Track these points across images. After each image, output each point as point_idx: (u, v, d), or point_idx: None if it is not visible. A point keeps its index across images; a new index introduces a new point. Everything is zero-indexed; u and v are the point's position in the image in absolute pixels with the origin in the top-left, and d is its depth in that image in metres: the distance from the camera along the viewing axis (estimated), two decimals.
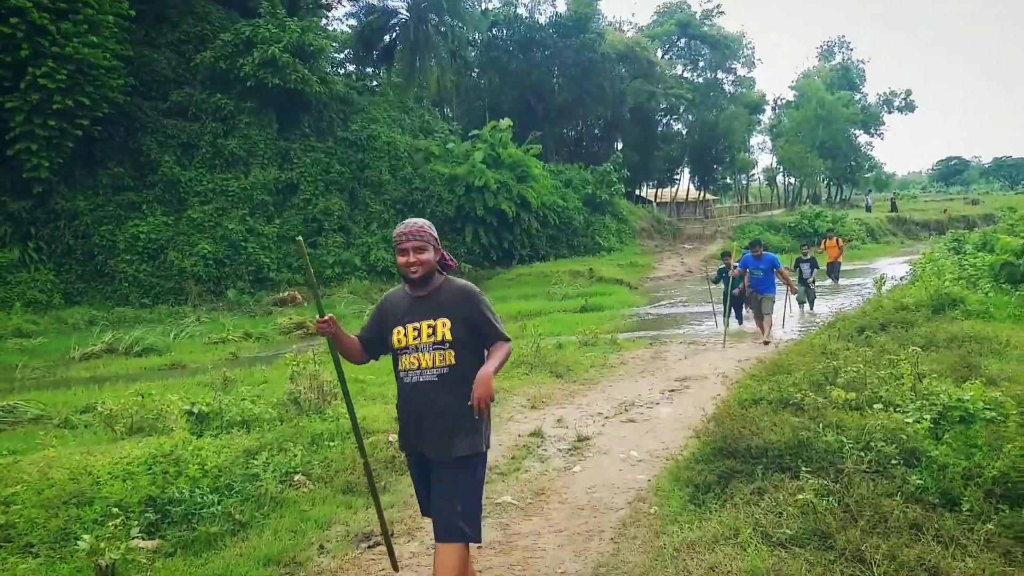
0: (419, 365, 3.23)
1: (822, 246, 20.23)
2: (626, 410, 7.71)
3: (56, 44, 20.64)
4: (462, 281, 3.50)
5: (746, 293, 12.97)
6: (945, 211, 48.09)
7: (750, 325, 13.82)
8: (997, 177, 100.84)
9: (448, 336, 3.21)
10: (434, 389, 3.21)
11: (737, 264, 13.40)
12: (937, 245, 20.59)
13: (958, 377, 6.50)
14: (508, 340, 3.41)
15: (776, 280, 12.55)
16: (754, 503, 4.07)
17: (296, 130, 28.19)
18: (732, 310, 13.79)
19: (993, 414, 4.63)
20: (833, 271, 19.87)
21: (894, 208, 50.16)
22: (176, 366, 15.57)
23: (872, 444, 4.30)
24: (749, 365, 8.92)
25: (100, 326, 19.62)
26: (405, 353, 3.27)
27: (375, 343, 3.48)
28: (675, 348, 12.03)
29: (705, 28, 52.62)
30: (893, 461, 4.14)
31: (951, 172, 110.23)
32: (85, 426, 9.69)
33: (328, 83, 28.56)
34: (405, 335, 3.26)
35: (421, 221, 3.31)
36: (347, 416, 6.83)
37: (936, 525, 3.57)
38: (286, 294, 23.69)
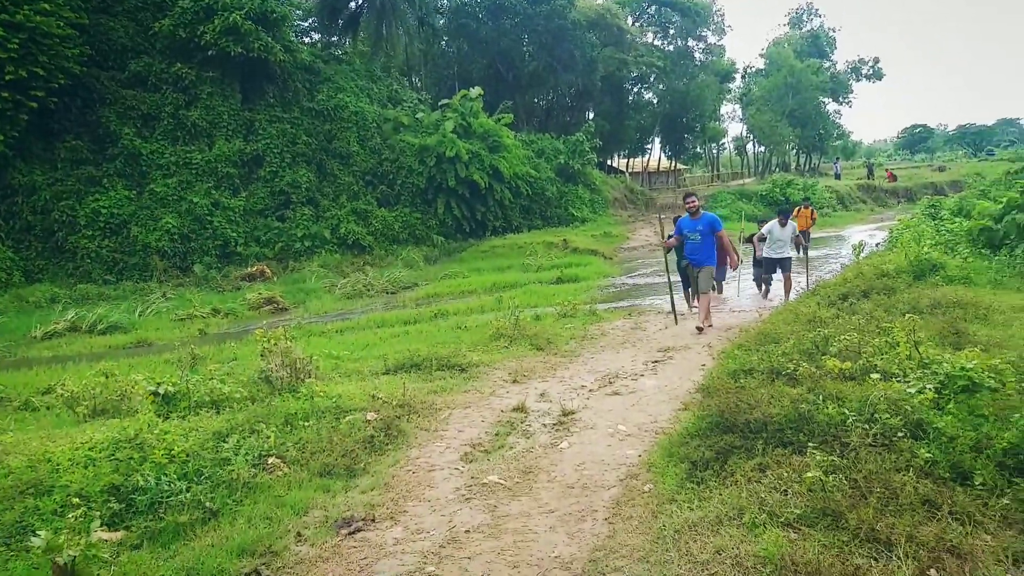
0: None
1: (795, 214, 19.90)
2: (610, 382, 7.50)
3: (5, 11, 19.68)
4: None
5: (681, 264, 11.00)
6: (888, 175, 48.92)
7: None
8: (961, 145, 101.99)
9: None
10: None
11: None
12: (913, 211, 20.63)
13: (947, 343, 6.39)
14: None
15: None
16: (757, 480, 3.88)
17: (261, 100, 27.39)
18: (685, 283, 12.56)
19: (995, 382, 4.49)
20: (802, 239, 19.76)
21: (871, 174, 50.45)
22: (142, 344, 15.14)
23: (876, 416, 4.13)
24: (733, 335, 8.76)
25: (62, 304, 19.02)
26: None
27: None
28: (654, 318, 11.85)
29: None
30: (899, 434, 3.97)
31: (916, 140, 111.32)
32: (47, 408, 9.33)
33: (293, 51, 27.75)
34: None
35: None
36: (322, 394, 6.63)
37: (950, 501, 3.41)
38: (254, 268, 23.16)
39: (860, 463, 3.72)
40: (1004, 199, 11.48)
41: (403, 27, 35.26)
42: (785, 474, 3.80)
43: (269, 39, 25.67)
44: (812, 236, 20.35)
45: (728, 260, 10.89)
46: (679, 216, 12.33)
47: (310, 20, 36.99)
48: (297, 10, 33.34)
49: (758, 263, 13.58)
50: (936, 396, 4.36)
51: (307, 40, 35.91)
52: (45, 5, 20.62)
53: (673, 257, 12.44)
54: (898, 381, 4.69)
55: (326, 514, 4.55)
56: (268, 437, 5.45)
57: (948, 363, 4.60)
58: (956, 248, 11.87)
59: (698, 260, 10.15)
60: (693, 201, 10.04)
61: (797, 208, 19.52)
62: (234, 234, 24.31)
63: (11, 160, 21.66)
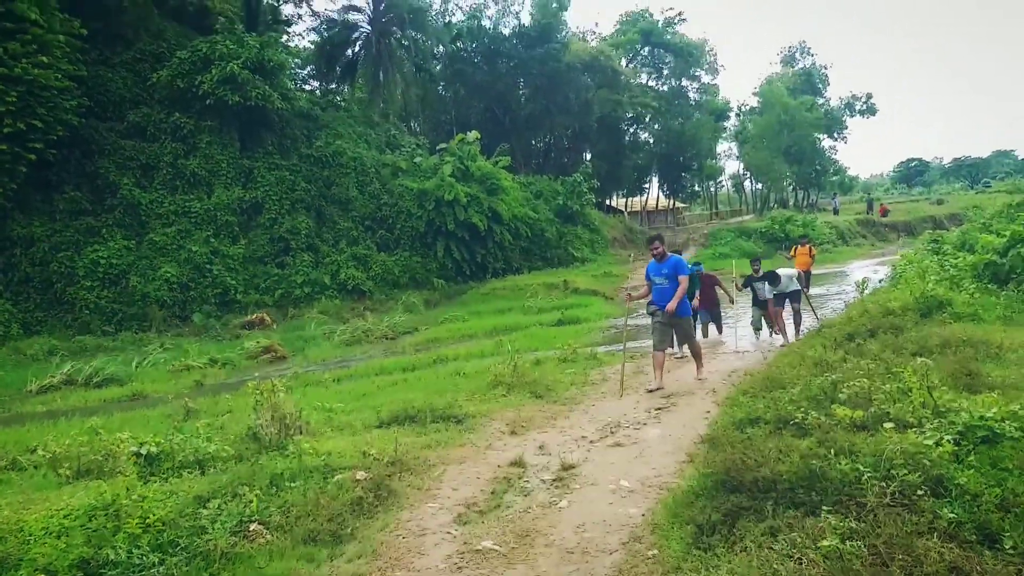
0: None
1: (792, 252, 19.15)
2: (612, 432, 7.22)
3: (4, 65, 19.81)
4: None
5: (649, 309, 9.90)
6: (880, 209, 48.90)
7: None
8: (957, 177, 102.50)
9: None
10: None
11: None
12: (915, 245, 20.45)
13: (961, 386, 6.14)
14: None
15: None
16: (768, 546, 3.60)
17: (259, 148, 27.52)
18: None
19: (1018, 431, 4.23)
20: (802, 281, 19.02)
21: (871, 209, 50.35)
22: (137, 397, 14.88)
23: (893, 472, 3.86)
24: (738, 379, 8.50)
25: (60, 356, 18.77)
26: None
27: None
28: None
29: (668, 36, 52.73)
30: (919, 492, 3.70)
31: (913, 173, 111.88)
32: (34, 468, 9.03)
33: (290, 99, 27.99)
34: None
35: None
36: (311, 452, 6.36)
37: (979, 568, 3.13)
38: (254, 316, 22.98)
39: (879, 527, 3.44)
40: (1008, 232, 11.28)
41: (400, 73, 35.65)
42: (798, 539, 3.52)
43: (267, 87, 25.90)
44: (813, 273, 19.80)
45: (673, 302, 9.24)
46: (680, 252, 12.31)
47: (308, 68, 37.41)
48: (295, 58, 33.77)
49: (758, 303, 12.79)
50: (955, 448, 4.10)
51: (305, 88, 36.27)
52: (43, 58, 20.79)
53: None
54: (913, 431, 4.43)
55: None
56: (251, 501, 5.17)
57: (966, 411, 4.35)
58: (961, 283, 11.62)
59: (664, 305, 9.28)
60: (658, 246, 9.41)
61: (795, 247, 18.96)
62: (233, 282, 24.20)
63: (10, 212, 21.70)
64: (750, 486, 4.09)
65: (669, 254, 9.46)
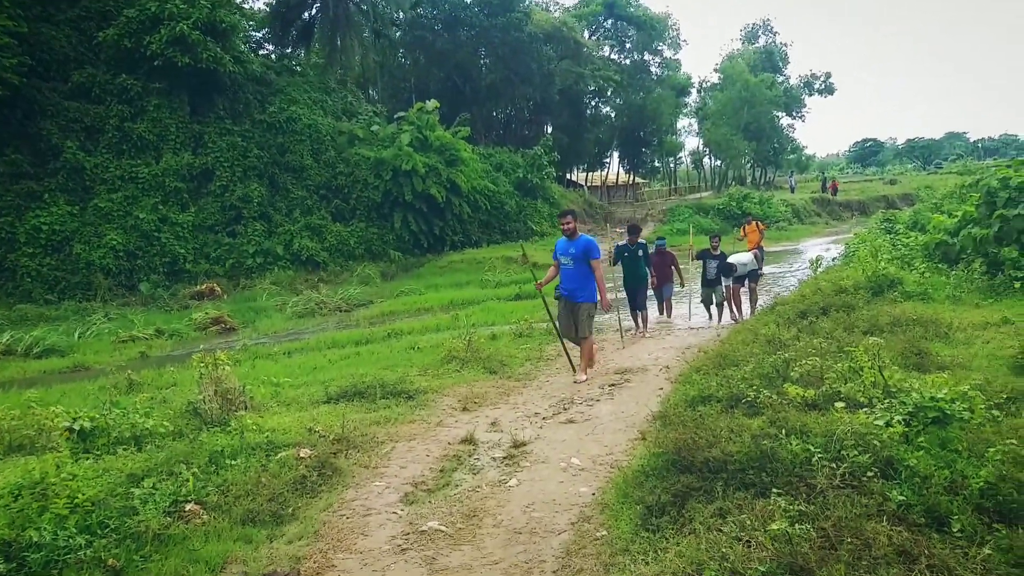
0: None
1: (742, 232, 18.92)
2: (565, 409, 7.14)
3: None
4: None
5: (555, 293, 8.71)
6: (831, 186, 49.50)
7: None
8: (910, 158, 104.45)
9: None
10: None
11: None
12: (868, 224, 20.72)
13: (910, 365, 6.18)
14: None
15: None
16: (716, 528, 3.53)
17: (210, 113, 26.63)
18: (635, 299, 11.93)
19: (967, 412, 4.23)
20: (759, 259, 18.98)
21: (825, 188, 50.92)
22: (79, 368, 14.42)
23: (843, 453, 3.82)
24: (692, 355, 8.47)
25: None
26: None
27: None
28: (612, 336, 11.56)
29: (631, 8, 52.34)
30: (869, 473, 3.66)
31: (867, 153, 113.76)
32: None
33: (243, 63, 27.07)
34: None
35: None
36: (254, 428, 6.16)
37: (927, 552, 3.09)
38: (204, 286, 22.41)
39: (829, 509, 3.39)
40: (960, 213, 11.44)
41: (358, 39, 34.78)
42: (748, 522, 3.45)
43: (218, 50, 25.00)
44: (767, 251, 19.84)
45: (600, 299, 8.47)
46: (638, 235, 12.18)
47: (262, 31, 36.27)
48: (248, 21, 32.68)
49: (707, 283, 12.45)
50: (905, 429, 4.07)
51: (259, 51, 35.15)
52: None
53: (619, 272, 12.28)
54: (864, 412, 4.40)
55: (245, 570, 4.09)
56: (187, 480, 4.96)
57: (916, 392, 4.33)
58: (913, 263, 11.79)
59: (570, 291, 8.38)
60: (569, 221, 8.42)
61: (743, 227, 18.87)
62: (183, 251, 23.54)
63: None
64: (700, 466, 4.02)
65: (580, 234, 8.53)
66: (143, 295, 21.94)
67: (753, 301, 12.74)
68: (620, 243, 12.40)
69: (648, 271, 12.15)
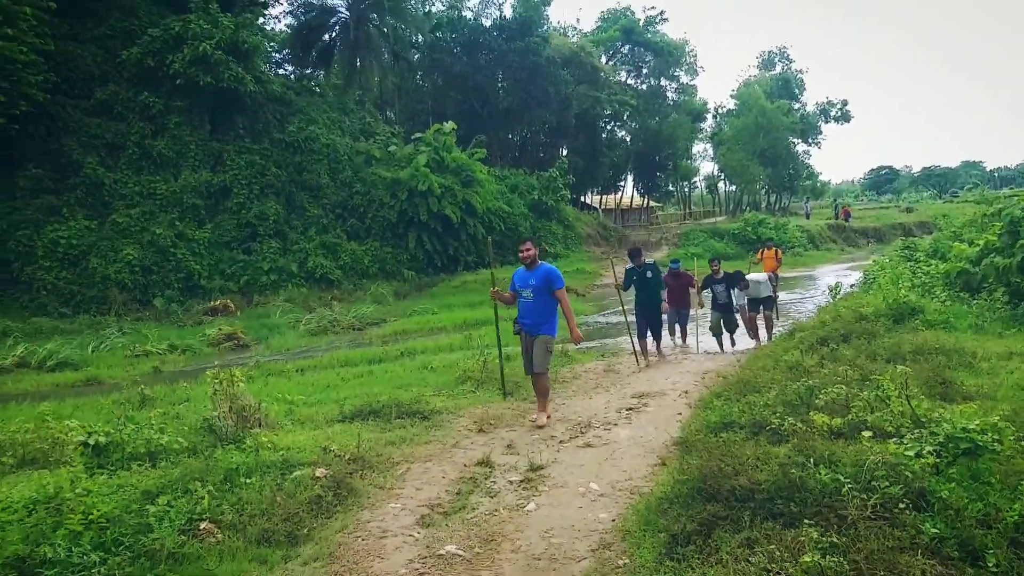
0: None
1: (759, 256, 18.77)
2: (582, 432, 7.05)
3: None
4: None
5: (514, 328, 8.02)
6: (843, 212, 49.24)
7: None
8: (926, 186, 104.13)
9: None
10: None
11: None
12: (886, 251, 20.57)
13: (935, 394, 6.06)
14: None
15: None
16: (745, 559, 3.44)
17: (230, 131, 26.93)
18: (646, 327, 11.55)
19: (996, 443, 4.12)
20: (774, 283, 18.74)
21: (838, 215, 50.61)
22: (92, 382, 14.46)
23: (874, 484, 3.73)
24: (711, 380, 8.37)
25: (14, 338, 18.13)
26: None
27: None
28: (628, 359, 11.45)
29: (649, 35, 52.75)
30: (900, 505, 3.56)
31: (882, 181, 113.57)
32: None
33: (264, 83, 27.37)
34: None
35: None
36: (269, 446, 6.11)
37: None
38: (218, 303, 22.47)
39: (860, 541, 3.30)
40: (981, 241, 11.32)
41: (377, 61, 35.17)
42: (777, 553, 3.37)
43: (240, 70, 25.28)
44: (782, 276, 19.64)
45: (570, 330, 7.61)
46: (641, 257, 11.73)
47: (283, 52, 36.74)
48: (270, 41, 33.10)
49: (717, 307, 12.25)
50: (936, 460, 3.98)
51: (280, 72, 35.60)
52: (8, 30, 20.05)
53: (632, 296, 11.83)
54: (893, 441, 4.31)
55: None
56: (202, 498, 4.90)
57: (947, 422, 4.23)
58: (933, 291, 11.67)
59: (530, 325, 7.65)
60: (529, 248, 7.78)
61: (761, 250, 18.77)
62: (198, 267, 23.66)
63: None
64: (727, 495, 3.93)
65: (540, 262, 7.77)
66: (157, 310, 22.02)
67: (770, 328, 12.62)
68: (628, 266, 12.16)
69: (660, 294, 11.67)
